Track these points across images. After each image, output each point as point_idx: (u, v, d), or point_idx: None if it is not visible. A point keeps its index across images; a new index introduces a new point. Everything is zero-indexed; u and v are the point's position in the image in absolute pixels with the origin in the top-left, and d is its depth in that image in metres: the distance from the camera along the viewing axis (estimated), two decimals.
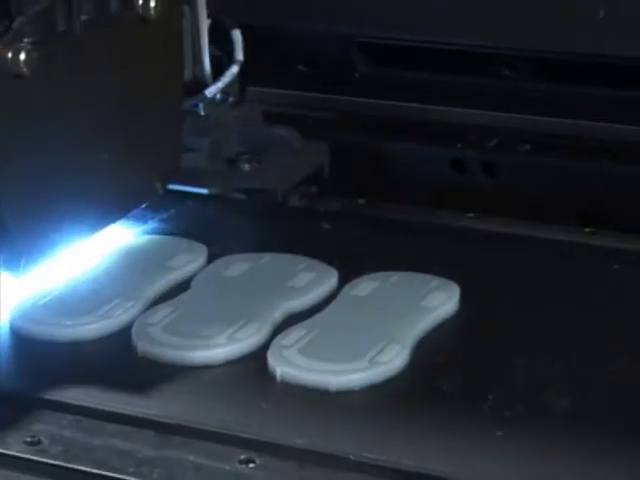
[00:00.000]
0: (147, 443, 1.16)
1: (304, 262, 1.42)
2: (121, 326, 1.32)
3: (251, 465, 1.13)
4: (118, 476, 1.11)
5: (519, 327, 1.33)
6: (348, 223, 1.56)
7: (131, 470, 1.12)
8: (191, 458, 1.14)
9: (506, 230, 1.53)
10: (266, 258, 1.44)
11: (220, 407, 1.22)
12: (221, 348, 1.28)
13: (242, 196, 1.59)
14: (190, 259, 1.44)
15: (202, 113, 1.56)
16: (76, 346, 1.31)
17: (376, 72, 1.70)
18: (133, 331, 1.31)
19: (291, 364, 1.25)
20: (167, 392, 1.23)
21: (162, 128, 1.40)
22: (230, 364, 1.27)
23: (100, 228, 1.34)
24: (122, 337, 1.31)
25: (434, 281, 1.38)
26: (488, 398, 1.21)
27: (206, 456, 1.14)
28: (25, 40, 1.18)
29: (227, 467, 1.12)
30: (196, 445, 1.15)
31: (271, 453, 1.14)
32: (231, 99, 1.60)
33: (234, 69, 1.56)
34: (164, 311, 1.34)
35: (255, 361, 1.27)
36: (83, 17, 1.25)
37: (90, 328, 1.32)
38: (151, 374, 1.26)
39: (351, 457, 1.12)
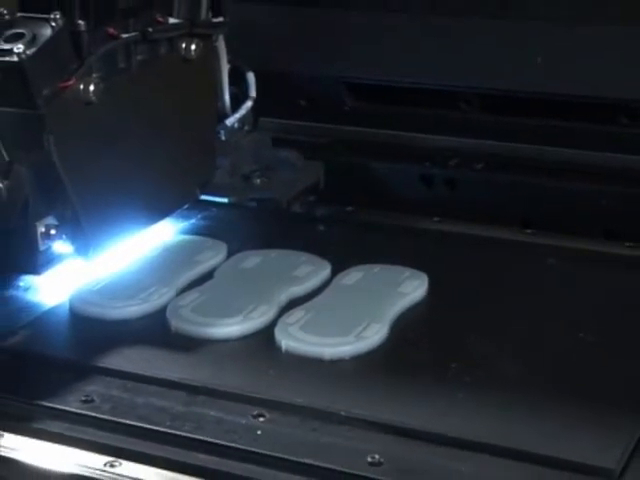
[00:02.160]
0: (179, 401, 1.15)
1: (304, 257, 1.41)
2: (158, 308, 1.31)
3: (261, 419, 1.12)
4: (156, 428, 1.10)
5: (477, 309, 1.32)
6: (339, 226, 1.55)
7: (167, 423, 1.11)
8: (213, 413, 1.13)
9: (464, 231, 1.51)
10: (274, 253, 1.43)
11: (236, 373, 1.21)
12: (237, 325, 1.26)
13: (254, 204, 1.58)
14: (213, 254, 1.42)
15: (223, 138, 1.54)
16: (122, 324, 1.29)
17: (361, 106, 1.69)
18: (167, 312, 1.29)
19: (293, 338, 1.23)
20: (194, 360, 1.22)
21: (200, 147, 1.40)
22: (244, 338, 1.26)
23: (150, 224, 1.35)
24: (158, 317, 1.29)
25: (407, 272, 1.37)
26: (451, 366, 1.20)
27: (225, 412, 1.13)
28: (93, 75, 1.19)
29: (242, 421, 1.11)
30: (217, 403, 1.15)
31: (277, 409, 1.13)
32: (246, 127, 1.59)
33: (248, 103, 1.55)
34: (192, 296, 1.32)
35: (264, 336, 1.26)
36: (138, 57, 1.26)
37: (133, 309, 1.30)
38: (182, 346, 1.24)
39: (342, 413, 1.12)
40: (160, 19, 1.29)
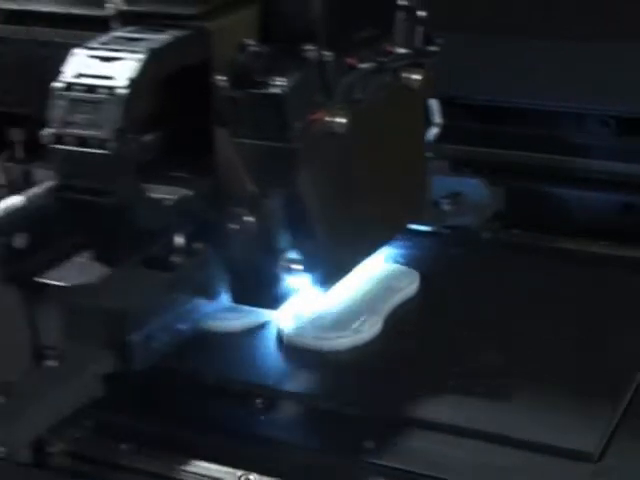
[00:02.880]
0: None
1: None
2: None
3: (258, 401, 1.14)
4: None
5: (463, 304, 1.31)
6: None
7: None
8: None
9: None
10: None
11: (241, 362, 1.22)
12: (240, 320, 1.26)
13: (448, 231, 1.48)
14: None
15: None
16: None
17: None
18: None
19: (295, 331, 1.25)
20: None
21: (415, 175, 1.34)
22: (248, 330, 1.27)
23: (372, 254, 1.28)
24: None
25: (401, 269, 1.37)
26: (441, 357, 1.21)
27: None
28: (342, 107, 1.12)
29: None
30: None
31: (280, 398, 1.16)
32: (431, 154, 1.44)
33: (435, 130, 1.41)
34: None
35: (266, 329, 1.26)
36: (371, 88, 1.20)
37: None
38: None
39: (338, 399, 1.15)
40: (390, 49, 1.22)
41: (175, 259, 1.05)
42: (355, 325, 1.23)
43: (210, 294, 1.11)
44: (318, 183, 1.12)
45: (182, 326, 1.08)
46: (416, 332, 1.25)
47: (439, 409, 1.11)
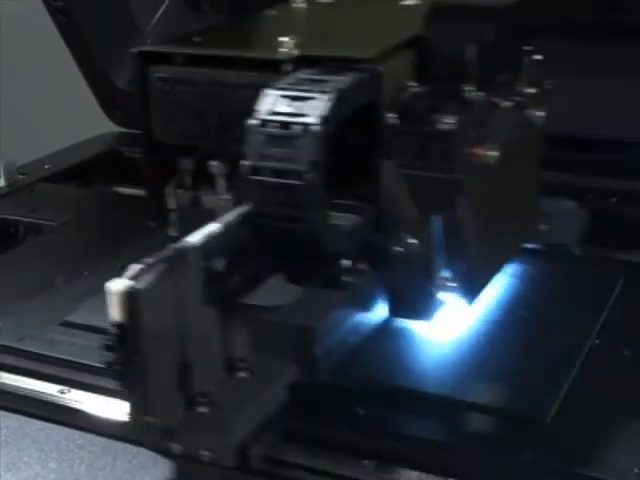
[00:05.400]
0: None
1: None
2: None
3: None
4: None
5: None
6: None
7: None
8: None
9: None
10: None
11: None
12: None
13: (546, 248, 1.44)
14: None
15: None
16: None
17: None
18: None
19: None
20: None
21: (534, 200, 1.32)
22: None
23: (503, 270, 1.25)
24: None
25: None
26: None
27: None
28: (492, 142, 1.10)
29: None
30: None
31: None
32: None
33: None
34: None
35: None
36: (509, 125, 1.19)
37: None
38: None
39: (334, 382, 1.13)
40: (521, 89, 1.22)
41: (346, 279, 1.05)
42: None
43: (373, 309, 1.12)
44: (473, 210, 1.11)
45: (352, 338, 1.09)
46: None
47: None
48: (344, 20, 1.25)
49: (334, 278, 1.04)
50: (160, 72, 1.12)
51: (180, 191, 1.15)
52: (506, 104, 1.16)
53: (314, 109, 0.96)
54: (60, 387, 1.18)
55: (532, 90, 1.21)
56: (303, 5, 1.29)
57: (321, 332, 1.01)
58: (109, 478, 1.06)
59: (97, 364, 1.15)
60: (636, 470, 0.99)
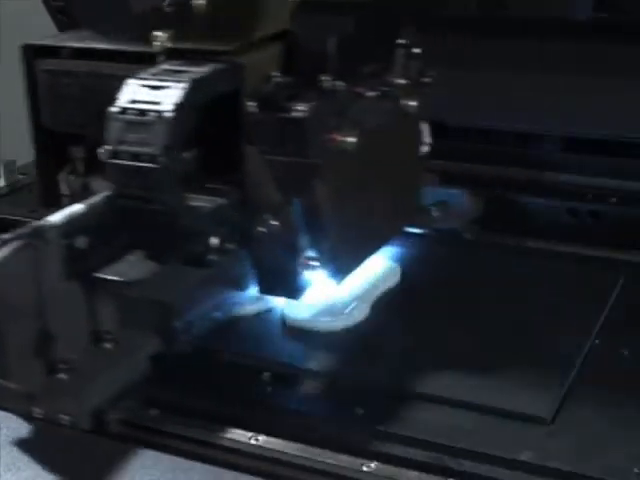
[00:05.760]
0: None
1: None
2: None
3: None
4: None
5: (439, 293, 1.34)
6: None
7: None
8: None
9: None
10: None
11: (250, 341, 1.25)
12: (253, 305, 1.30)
13: (434, 232, 1.52)
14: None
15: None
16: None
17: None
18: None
19: (296, 315, 1.28)
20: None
21: (409, 188, 1.39)
22: (257, 314, 1.29)
23: (375, 252, 1.32)
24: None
25: (385, 263, 1.39)
26: (420, 335, 1.24)
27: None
28: (353, 129, 1.17)
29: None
30: None
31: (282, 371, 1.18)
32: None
33: (425, 148, 1.44)
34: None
35: (272, 313, 1.29)
36: (376, 113, 1.25)
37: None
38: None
39: (332, 372, 1.18)
40: (391, 80, 1.28)
41: (211, 257, 1.10)
42: (347, 310, 1.28)
43: (241, 286, 1.18)
44: (333, 193, 1.16)
45: (217, 314, 1.16)
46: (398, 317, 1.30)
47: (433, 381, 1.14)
48: (220, 15, 1.32)
49: (200, 256, 1.10)
50: (46, 65, 1.19)
51: (72, 177, 1.21)
52: (370, 94, 1.21)
53: (169, 97, 1.03)
54: None
55: (403, 81, 1.27)
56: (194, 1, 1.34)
57: (180, 307, 1.07)
58: (109, 478, 1.05)
59: None
60: (636, 470, 0.99)
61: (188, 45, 1.13)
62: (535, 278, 1.36)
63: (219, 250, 1.11)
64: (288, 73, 1.16)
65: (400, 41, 1.28)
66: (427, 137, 1.40)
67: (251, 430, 1.09)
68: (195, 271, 1.10)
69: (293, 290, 1.19)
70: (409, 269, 1.37)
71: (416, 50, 1.29)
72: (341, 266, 1.21)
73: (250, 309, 1.29)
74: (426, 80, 1.31)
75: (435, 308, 1.30)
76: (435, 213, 1.43)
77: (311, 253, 1.17)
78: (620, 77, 1.46)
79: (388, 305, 1.31)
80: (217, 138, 1.11)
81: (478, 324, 1.25)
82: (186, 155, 1.06)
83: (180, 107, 1.03)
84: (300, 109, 1.10)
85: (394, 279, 1.36)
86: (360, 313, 1.28)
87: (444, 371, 1.16)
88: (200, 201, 1.10)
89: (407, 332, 1.25)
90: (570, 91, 1.51)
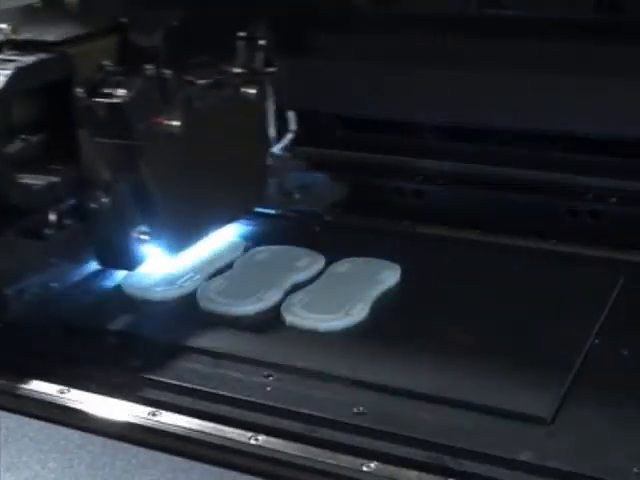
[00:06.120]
0: (205, 364, 1.20)
1: (303, 251, 1.44)
2: (190, 291, 1.36)
3: (270, 378, 1.17)
4: (188, 385, 1.15)
5: (439, 293, 1.34)
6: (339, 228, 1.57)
7: (196, 381, 1.16)
8: (233, 374, 1.18)
9: (429, 232, 1.53)
10: (279, 249, 1.46)
11: (251, 341, 1.25)
12: (252, 305, 1.31)
13: (295, 214, 1.60)
14: (230, 251, 1.47)
15: (269, 163, 1.58)
16: (163, 304, 1.35)
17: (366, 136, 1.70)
18: (197, 294, 1.34)
19: (296, 315, 1.28)
20: (218, 332, 1.27)
21: (255, 170, 1.46)
22: (258, 315, 1.31)
23: (216, 229, 1.41)
24: (190, 298, 1.35)
25: (384, 263, 1.40)
26: (419, 336, 1.24)
27: (242, 373, 1.18)
28: (177, 113, 1.25)
29: (254, 379, 1.16)
30: (236, 365, 1.19)
31: (283, 371, 1.18)
32: (287, 154, 1.63)
33: (289, 135, 1.60)
34: (217, 282, 1.37)
35: (273, 313, 1.31)
36: (209, 100, 1.33)
37: (171, 293, 1.36)
38: (208, 321, 1.29)
39: (332, 373, 1.17)
40: (226, 69, 1.37)
41: (47, 231, 1.21)
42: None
43: (79, 260, 1.30)
44: (159, 172, 1.26)
45: (55, 284, 1.31)
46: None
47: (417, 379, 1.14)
48: (73, 11, 1.39)
49: (36, 230, 1.20)
50: None
51: None
52: (202, 82, 1.30)
53: None
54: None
55: (241, 70, 1.37)
56: None
57: (10, 275, 1.20)
58: (108, 478, 1.04)
59: None
60: (636, 470, 0.99)
61: (26, 37, 1.21)
62: (535, 278, 1.36)
63: (56, 225, 1.20)
64: (121, 63, 1.25)
65: (242, 33, 1.37)
66: (292, 125, 1.54)
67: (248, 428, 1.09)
68: (28, 243, 1.20)
69: (128, 263, 1.29)
70: (409, 269, 1.38)
71: (261, 42, 1.38)
72: (173, 241, 1.30)
73: (250, 309, 1.30)
74: (271, 70, 1.40)
75: (435, 308, 1.30)
76: (297, 196, 1.53)
77: (143, 228, 1.26)
78: (620, 77, 1.45)
79: (387, 304, 1.32)
80: (59, 123, 1.21)
81: (478, 324, 1.25)
82: (32, 139, 1.18)
83: (3, 92, 1.10)
84: (121, 95, 1.19)
85: (237, 253, 1.44)
86: (361, 313, 1.28)
87: (444, 372, 1.16)
88: (34, 180, 1.17)
89: (407, 332, 1.25)
90: (567, 92, 1.50)
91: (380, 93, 1.58)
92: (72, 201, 1.24)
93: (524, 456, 1.02)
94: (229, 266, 1.43)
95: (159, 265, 1.35)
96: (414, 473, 1.02)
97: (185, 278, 1.37)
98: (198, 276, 1.38)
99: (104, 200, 1.24)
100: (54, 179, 1.20)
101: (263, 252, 1.46)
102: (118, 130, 1.21)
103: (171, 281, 1.37)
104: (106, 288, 1.39)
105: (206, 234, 1.39)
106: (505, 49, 1.49)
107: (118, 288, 1.38)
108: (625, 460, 1.00)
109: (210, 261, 1.43)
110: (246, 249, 1.47)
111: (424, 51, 1.53)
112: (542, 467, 1.00)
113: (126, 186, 1.25)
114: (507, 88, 1.51)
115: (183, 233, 1.32)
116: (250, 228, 1.54)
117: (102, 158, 1.23)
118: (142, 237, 1.27)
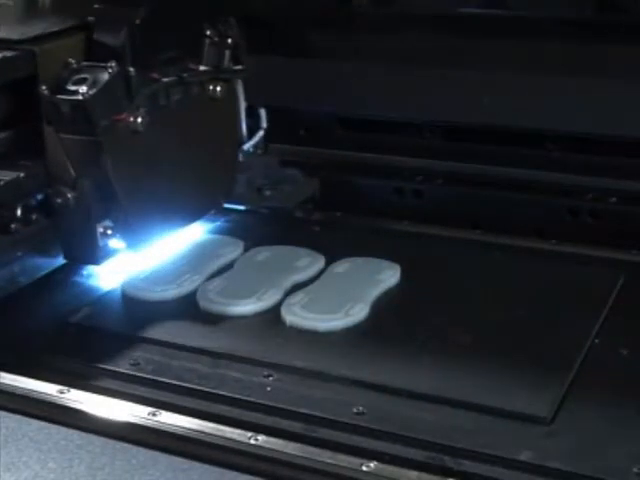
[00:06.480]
0: (205, 364, 1.19)
1: (303, 251, 1.45)
2: (189, 291, 1.36)
3: (270, 378, 1.16)
4: (187, 385, 1.15)
5: (439, 292, 1.35)
6: (330, 227, 1.58)
7: (196, 381, 1.16)
8: (233, 374, 1.17)
9: (429, 232, 1.53)
10: (280, 249, 1.46)
11: (251, 342, 1.25)
12: (252, 305, 1.31)
13: (266, 211, 1.63)
14: (232, 249, 1.47)
15: (241, 160, 1.61)
16: (162, 304, 1.34)
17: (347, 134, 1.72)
18: (197, 294, 1.34)
19: (296, 315, 1.28)
20: (218, 332, 1.27)
21: (223, 166, 1.47)
22: (258, 315, 1.31)
23: (184, 226, 1.42)
24: (190, 298, 1.35)
25: (384, 263, 1.40)
26: (418, 337, 1.24)
27: (242, 373, 1.18)
28: (141, 110, 1.27)
29: (254, 379, 1.16)
30: (235, 365, 1.19)
31: (283, 371, 1.18)
32: (259, 151, 1.66)
33: (260, 132, 1.63)
34: (216, 282, 1.37)
35: (273, 313, 1.30)
36: (175, 97, 1.34)
37: (170, 292, 1.36)
38: (208, 321, 1.29)
39: (332, 373, 1.17)
40: (193, 67, 1.38)
41: (15, 226, 1.24)
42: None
43: (47, 254, 1.32)
44: (123, 168, 1.27)
45: (22, 278, 1.34)
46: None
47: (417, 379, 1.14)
48: (44, 9, 1.39)
49: (3, 225, 1.24)
50: None
51: None
52: (166, 79, 1.32)
53: None
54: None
55: (207, 68, 1.39)
56: None
57: None
58: (108, 478, 1.04)
59: None
60: (635, 470, 0.99)
61: None
62: (535, 278, 1.36)
63: (23, 220, 1.22)
64: (87, 60, 1.27)
65: (208, 32, 1.38)
66: (263, 122, 1.57)
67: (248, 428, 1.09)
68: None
69: (93, 257, 1.30)
70: (409, 269, 1.38)
71: (229, 40, 1.40)
72: (138, 236, 1.32)
73: (250, 309, 1.30)
74: (238, 68, 1.41)
75: (435, 308, 1.30)
76: (268, 192, 1.57)
77: (107, 223, 1.29)
78: (620, 77, 1.45)
79: (387, 304, 1.32)
80: (25, 120, 1.24)
81: (478, 324, 1.25)
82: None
83: None
84: (84, 92, 1.21)
85: (237, 253, 1.45)
86: (361, 313, 1.28)
87: (445, 372, 1.16)
88: (1, 175, 1.20)
89: (407, 332, 1.25)
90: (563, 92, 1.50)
91: (380, 93, 1.58)
92: (39, 196, 1.28)
93: (524, 456, 1.01)
94: (229, 266, 1.42)
95: (132, 260, 1.37)
96: (414, 473, 1.02)
97: (185, 278, 1.37)
98: (198, 276, 1.38)
99: (69, 195, 1.26)
100: (21, 175, 1.23)
101: (263, 252, 1.45)
102: (82, 127, 1.23)
103: (171, 281, 1.37)
104: (106, 288, 1.39)
105: (173, 229, 1.40)
106: (505, 49, 1.49)
107: (118, 288, 1.38)
108: (625, 460, 1.00)
109: (210, 261, 1.43)
110: (246, 249, 1.47)
111: (424, 51, 1.53)
112: (542, 467, 1.00)
113: (90, 182, 1.27)
114: (507, 88, 1.51)
115: (148, 228, 1.34)
116: (247, 227, 1.54)
117: (67, 154, 1.25)
118: (107, 232, 1.29)
